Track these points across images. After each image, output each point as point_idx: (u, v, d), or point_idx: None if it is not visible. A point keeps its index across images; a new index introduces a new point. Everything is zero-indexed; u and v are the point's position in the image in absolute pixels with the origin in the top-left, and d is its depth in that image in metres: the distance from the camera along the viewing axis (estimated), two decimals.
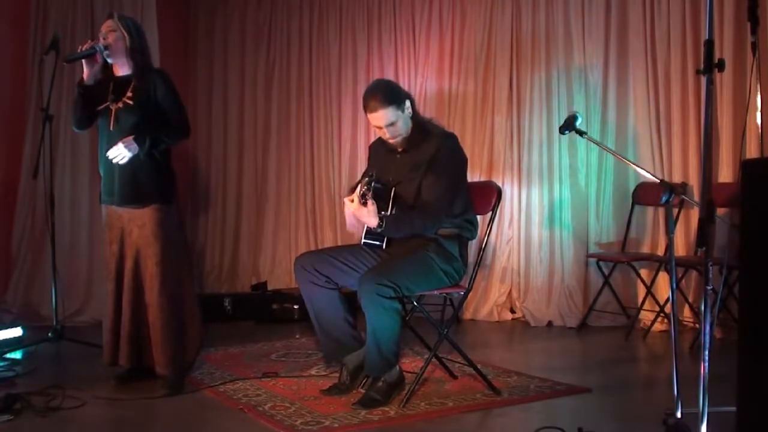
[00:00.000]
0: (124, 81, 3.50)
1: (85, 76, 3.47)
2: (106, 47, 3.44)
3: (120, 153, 3.37)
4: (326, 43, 6.18)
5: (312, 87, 6.26)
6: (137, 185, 3.43)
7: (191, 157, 6.55)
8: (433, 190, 3.27)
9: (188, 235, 6.09)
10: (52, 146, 4.37)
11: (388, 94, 3.30)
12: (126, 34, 3.47)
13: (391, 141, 3.38)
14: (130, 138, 3.37)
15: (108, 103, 3.48)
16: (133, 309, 3.48)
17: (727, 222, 4.27)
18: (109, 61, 3.49)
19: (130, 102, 3.44)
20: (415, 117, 3.39)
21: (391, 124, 3.30)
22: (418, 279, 3.22)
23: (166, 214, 3.48)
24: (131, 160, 3.39)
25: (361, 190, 3.18)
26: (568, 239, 5.19)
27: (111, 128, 3.46)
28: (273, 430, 2.94)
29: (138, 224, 3.46)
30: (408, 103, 3.34)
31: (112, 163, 3.42)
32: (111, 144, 3.42)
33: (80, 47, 3.47)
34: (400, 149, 3.41)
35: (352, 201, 3.21)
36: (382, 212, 3.21)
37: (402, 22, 5.86)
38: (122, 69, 3.54)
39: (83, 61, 3.45)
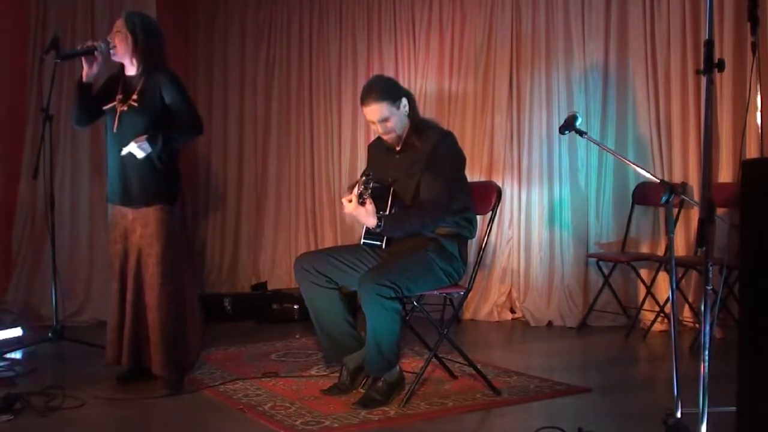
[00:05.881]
0: (133, 82, 3.48)
1: (84, 74, 3.45)
2: (113, 47, 3.43)
3: (133, 153, 3.33)
4: (326, 43, 6.18)
5: (312, 86, 6.25)
6: (143, 184, 3.42)
7: (191, 157, 6.54)
8: (432, 188, 3.26)
9: (190, 236, 6.10)
10: (52, 146, 4.35)
11: (384, 89, 3.32)
12: (129, 35, 3.42)
13: (385, 137, 3.38)
14: (143, 137, 3.33)
15: (115, 102, 3.46)
16: (134, 309, 3.47)
17: (727, 222, 4.27)
18: (115, 59, 3.47)
19: (135, 104, 3.42)
20: (414, 116, 3.39)
21: (384, 120, 3.31)
22: (419, 279, 3.22)
23: (169, 215, 3.46)
24: (138, 159, 3.37)
25: (358, 189, 3.17)
26: (568, 239, 5.19)
27: (114, 129, 3.44)
28: (273, 430, 2.95)
29: (141, 223, 3.44)
30: (405, 101, 3.34)
31: (118, 161, 3.42)
32: (115, 144, 3.42)
33: (79, 45, 3.45)
34: (397, 148, 3.41)
35: (350, 201, 3.20)
36: (381, 212, 3.21)
37: (402, 22, 5.85)
38: (131, 69, 3.50)
39: (83, 59, 3.42)
